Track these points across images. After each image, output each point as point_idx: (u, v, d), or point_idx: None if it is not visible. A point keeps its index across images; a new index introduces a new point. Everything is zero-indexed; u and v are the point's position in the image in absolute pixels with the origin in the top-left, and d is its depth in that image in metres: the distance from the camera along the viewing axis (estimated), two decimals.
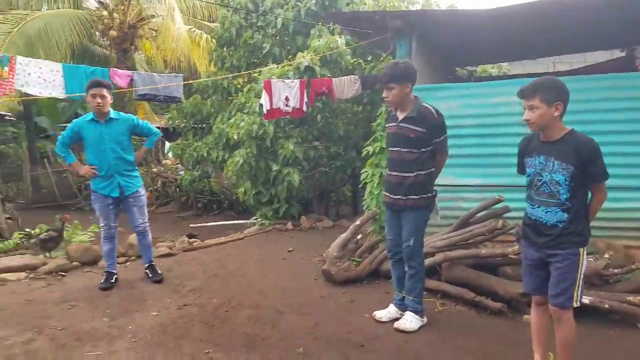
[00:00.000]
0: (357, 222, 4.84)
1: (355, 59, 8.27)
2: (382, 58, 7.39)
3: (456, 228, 4.41)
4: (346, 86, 7.06)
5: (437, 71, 6.59)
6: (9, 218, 8.32)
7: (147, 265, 4.86)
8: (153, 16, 12.74)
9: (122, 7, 12.08)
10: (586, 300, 3.45)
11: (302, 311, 3.91)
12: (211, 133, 9.44)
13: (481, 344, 3.30)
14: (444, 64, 7.25)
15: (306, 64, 7.10)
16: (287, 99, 6.75)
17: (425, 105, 3.39)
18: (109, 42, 12.68)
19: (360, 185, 5.91)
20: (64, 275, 5.01)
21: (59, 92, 6.49)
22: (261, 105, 6.79)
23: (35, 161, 14.17)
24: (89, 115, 4.49)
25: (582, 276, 2.54)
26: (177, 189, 11.46)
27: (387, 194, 3.58)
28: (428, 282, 4.11)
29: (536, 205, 2.63)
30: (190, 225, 8.90)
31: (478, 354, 3.15)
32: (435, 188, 3.51)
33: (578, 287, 2.53)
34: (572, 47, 6.80)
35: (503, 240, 4.31)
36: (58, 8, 12.22)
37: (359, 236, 4.89)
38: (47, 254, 5.57)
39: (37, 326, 3.58)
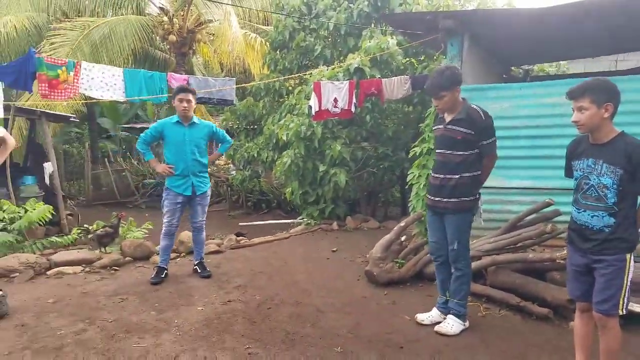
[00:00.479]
0: (402, 224, 4.78)
1: (407, 59, 8.18)
2: (435, 57, 7.26)
3: (504, 231, 4.27)
4: (396, 87, 7.01)
5: (491, 70, 6.40)
6: (69, 214, 8.82)
7: (197, 261, 5.01)
8: (211, 21, 13.11)
9: (182, 13, 12.50)
10: (637, 307, 3.26)
11: (343, 311, 3.90)
12: (262, 134, 9.61)
13: (524, 349, 3.19)
14: (499, 63, 7.03)
15: (356, 65, 7.11)
16: (335, 100, 6.78)
17: (474, 107, 3.33)
18: (168, 47, 13.15)
19: (407, 187, 5.83)
20: (117, 270, 5.22)
21: (119, 96, 6.81)
22: (310, 106, 6.86)
23: (96, 160, 14.92)
24: (174, 118, 4.74)
25: (629, 283, 2.44)
26: (229, 189, 11.75)
27: (429, 196, 3.55)
28: (473, 286, 4.00)
29: (582, 210, 2.55)
30: (240, 223, 9.11)
31: (520, 359, 3.04)
32: (479, 191, 3.43)
33: (624, 295, 2.43)
34: (635, 45, 6.42)
35: (552, 245, 4.12)
36: (122, 14, 12.83)
37: (403, 238, 4.81)
38: (103, 249, 5.85)
39: (89, 317, 3.75)
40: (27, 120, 10.49)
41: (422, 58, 8.18)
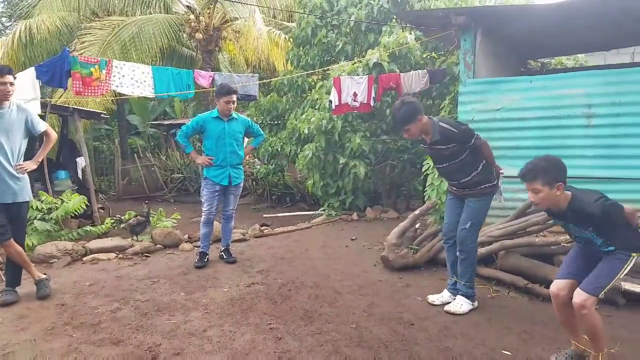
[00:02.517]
0: (417, 212, 4.98)
1: (427, 53, 8.31)
2: (452, 51, 7.38)
3: (514, 218, 4.47)
4: (414, 81, 7.19)
5: (506, 64, 6.51)
6: (101, 208, 9.18)
7: (223, 248, 5.31)
8: (236, 18, 13.36)
9: (208, 11, 12.79)
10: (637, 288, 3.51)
11: (359, 292, 4.14)
12: (285, 129, 9.87)
13: (528, 327, 3.37)
14: (516, 56, 7.13)
15: (375, 60, 7.28)
16: (355, 94, 6.99)
17: (443, 125, 3.51)
18: (195, 44, 13.46)
19: (422, 177, 6.01)
20: (148, 256, 5.55)
21: (148, 92, 7.11)
22: (330, 101, 7.09)
23: (125, 156, 15.35)
24: (214, 113, 5.03)
25: (619, 277, 2.59)
26: (254, 182, 12.04)
27: (453, 188, 3.78)
28: (483, 270, 4.22)
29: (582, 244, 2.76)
30: (264, 215, 9.39)
31: (524, 335, 3.22)
32: (500, 170, 3.67)
33: (610, 284, 2.57)
34: None
35: (558, 231, 4.27)
36: (150, 13, 13.20)
37: (417, 225, 5.02)
38: (135, 237, 6.16)
39: (123, 298, 4.05)
40: (59, 117, 10.91)
41: (441, 52, 8.30)
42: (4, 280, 4.16)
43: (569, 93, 4.78)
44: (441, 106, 6.04)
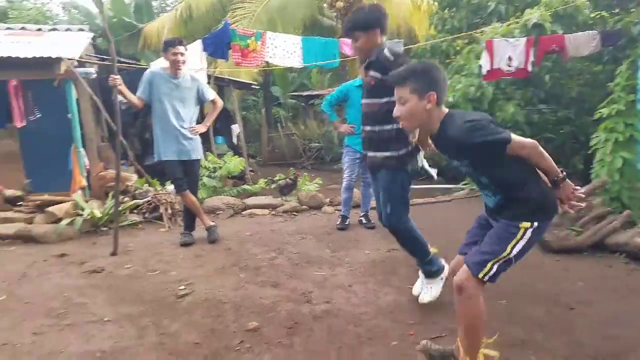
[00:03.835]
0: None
1: (597, 13, 7.36)
2: (632, 10, 6.43)
3: None
4: (582, 43, 6.50)
5: None
6: (251, 171, 9.97)
7: (362, 213, 5.42)
8: None
9: None
10: None
11: (510, 271, 3.83)
12: None
13: None
14: None
15: (535, 20, 6.63)
16: (510, 58, 6.49)
17: (390, 47, 2.87)
18: (335, 14, 13.62)
19: (590, 151, 5.34)
20: (296, 215, 6.09)
21: (297, 63, 7.41)
22: (480, 66, 6.66)
23: (270, 125, 16.30)
24: (357, 82, 5.11)
25: (510, 255, 2.09)
26: None
27: (364, 151, 3.22)
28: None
29: (481, 193, 2.29)
30: None
31: None
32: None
33: (495, 262, 2.08)
34: None
35: None
36: None
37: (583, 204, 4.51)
38: (284, 198, 6.73)
39: (278, 248, 4.53)
40: (215, 87, 11.87)
41: (615, 11, 7.27)
42: (182, 225, 4.92)
43: None
44: (618, 71, 5.23)
